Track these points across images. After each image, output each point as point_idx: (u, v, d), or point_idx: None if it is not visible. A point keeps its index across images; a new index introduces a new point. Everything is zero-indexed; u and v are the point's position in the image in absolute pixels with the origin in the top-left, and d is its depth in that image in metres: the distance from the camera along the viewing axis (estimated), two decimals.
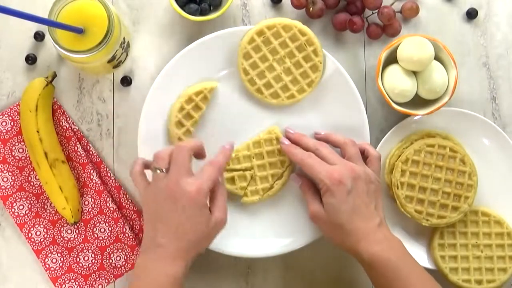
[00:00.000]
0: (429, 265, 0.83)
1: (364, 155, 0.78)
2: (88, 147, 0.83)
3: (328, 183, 0.72)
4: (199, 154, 0.75)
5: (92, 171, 0.82)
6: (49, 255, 0.82)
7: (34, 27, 0.83)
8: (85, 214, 0.82)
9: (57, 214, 0.82)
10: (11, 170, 0.82)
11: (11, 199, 0.81)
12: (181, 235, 0.69)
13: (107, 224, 0.82)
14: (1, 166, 0.81)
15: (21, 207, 0.82)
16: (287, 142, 0.79)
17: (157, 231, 0.69)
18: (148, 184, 0.72)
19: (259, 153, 0.80)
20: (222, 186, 0.74)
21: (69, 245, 0.82)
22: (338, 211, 0.72)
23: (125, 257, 0.82)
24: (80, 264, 0.82)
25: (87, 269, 0.82)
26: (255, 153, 0.80)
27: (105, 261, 0.82)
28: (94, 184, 0.82)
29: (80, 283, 0.82)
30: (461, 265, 0.82)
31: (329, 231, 0.75)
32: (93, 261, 0.82)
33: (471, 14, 0.86)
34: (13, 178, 0.82)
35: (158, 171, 0.71)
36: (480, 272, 0.82)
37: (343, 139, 0.77)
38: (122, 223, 0.82)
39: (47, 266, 0.82)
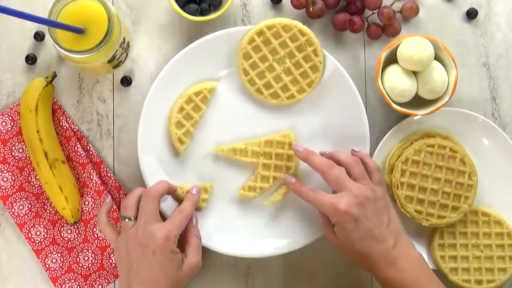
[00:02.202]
0: (429, 265, 0.83)
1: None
2: (88, 147, 0.83)
3: (335, 217, 0.72)
4: (169, 193, 0.78)
5: (92, 171, 0.82)
6: (49, 255, 0.82)
7: (34, 27, 0.83)
8: (85, 214, 0.82)
9: (57, 214, 0.82)
10: (11, 170, 0.82)
11: (11, 199, 0.81)
12: (154, 282, 0.70)
13: None
14: (1, 166, 0.81)
15: (21, 207, 0.82)
16: (301, 149, 0.77)
17: (131, 283, 0.71)
18: (118, 234, 0.74)
19: (268, 153, 0.80)
20: (195, 229, 0.77)
21: (69, 245, 0.82)
22: (350, 240, 0.72)
23: None
24: (80, 264, 0.82)
25: (87, 269, 0.82)
26: (264, 151, 0.80)
27: (105, 261, 0.82)
28: (94, 184, 0.82)
29: (80, 283, 0.82)
30: (461, 265, 0.82)
31: (346, 254, 0.75)
32: (93, 261, 0.82)
33: (471, 14, 0.86)
34: (13, 178, 0.82)
35: (127, 220, 0.73)
36: (480, 272, 0.82)
37: (345, 159, 0.75)
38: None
39: (47, 266, 0.82)
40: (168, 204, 0.79)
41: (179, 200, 0.79)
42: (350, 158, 0.76)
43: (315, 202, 0.74)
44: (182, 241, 0.75)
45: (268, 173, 0.80)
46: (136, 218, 0.73)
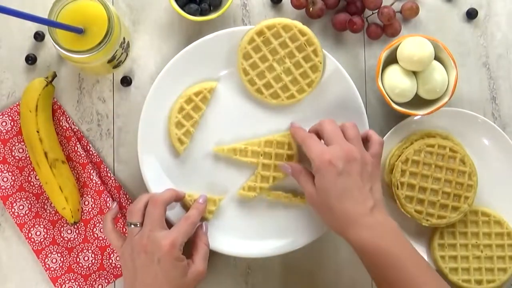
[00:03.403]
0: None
1: (366, 140, 0.76)
2: (88, 147, 0.83)
3: (318, 164, 0.70)
4: (176, 200, 0.78)
5: (92, 171, 0.82)
6: (49, 255, 0.82)
7: (34, 27, 0.83)
8: (85, 214, 0.82)
9: (57, 214, 0.82)
10: (11, 170, 0.82)
11: (11, 199, 0.81)
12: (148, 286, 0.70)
13: None
14: (1, 166, 0.81)
15: (21, 207, 0.82)
16: (297, 125, 0.79)
17: None
18: (123, 241, 0.74)
19: (268, 153, 0.80)
20: (205, 237, 0.77)
21: (69, 245, 0.82)
22: (327, 193, 0.70)
23: None
24: (80, 264, 0.82)
25: (87, 269, 0.82)
26: (264, 151, 0.80)
27: (105, 261, 0.82)
28: (94, 184, 0.82)
29: (80, 283, 0.82)
30: (461, 265, 0.82)
31: (322, 214, 0.72)
32: (93, 261, 0.82)
33: (471, 14, 0.86)
34: (13, 178, 0.82)
35: (132, 226, 0.73)
36: (480, 272, 0.82)
37: (342, 122, 0.75)
38: (122, 223, 0.82)
39: (47, 266, 0.82)
40: (175, 212, 0.79)
41: (186, 208, 0.79)
42: (348, 122, 0.75)
43: (306, 147, 0.73)
44: (189, 247, 0.75)
45: (268, 173, 0.80)
46: (142, 224, 0.73)
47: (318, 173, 0.71)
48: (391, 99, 0.80)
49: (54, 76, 0.82)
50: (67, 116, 0.83)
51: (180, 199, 0.78)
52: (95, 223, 0.82)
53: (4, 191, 0.81)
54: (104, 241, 0.82)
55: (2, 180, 0.82)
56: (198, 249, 0.75)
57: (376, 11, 0.83)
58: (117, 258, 0.82)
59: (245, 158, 0.80)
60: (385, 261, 0.68)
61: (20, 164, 0.82)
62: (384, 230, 0.69)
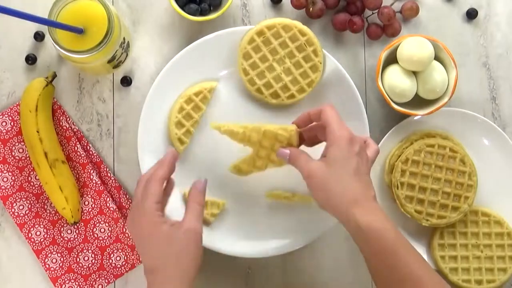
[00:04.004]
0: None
1: (364, 144, 0.73)
2: (88, 147, 0.83)
3: (338, 136, 0.68)
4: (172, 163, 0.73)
5: (92, 171, 0.82)
6: (49, 255, 0.82)
7: (34, 27, 0.83)
8: (85, 214, 0.82)
9: (57, 214, 0.82)
10: (11, 170, 0.82)
11: (11, 199, 0.81)
12: (148, 257, 0.68)
13: (107, 224, 0.82)
14: (1, 166, 0.81)
15: (21, 207, 0.82)
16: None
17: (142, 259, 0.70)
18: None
19: (267, 143, 0.75)
20: (200, 197, 0.71)
21: (69, 245, 0.82)
22: (342, 164, 0.67)
23: (125, 257, 0.82)
24: (80, 264, 0.82)
25: (87, 269, 0.82)
26: (262, 140, 0.75)
27: (105, 261, 0.82)
28: (94, 184, 0.82)
29: (80, 283, 0.82)
30: (461, 265, 0.82)
31: (324, 190, 0.68)
32: (93, 261, 0.82)
33: (471, 14, 0.86)
34: (13, 178, 0.82)
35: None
36: (480, 272, 0.82)
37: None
38: (122, 223, 0.82)
39: (47, 266, 0.82)
40: (173, 207, 0.78)
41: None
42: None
43: (326, 114, 0.70)
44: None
45: (261, 162, 0.77)
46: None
47: (335, 144, 0.68)
48: (391, 99, 0.80)
49: (54, 76, 0.82)
50: (67, 116, 0.83)
51: (175, 159, 0.72)
52: (95, 223, 0.82)
53: (4, 191, 0.81)
54: (104, 241, 0.82)
55: (2, 180, 0.82)
56: (188, 208, 0.70)
57: (376, 11, 0.83)
58: (117, 258, 0.82)
59: (241, 141, 0.76)
60: (387, 246, 0.66)
61: (20, 164, 0.82)
62: (387, 219, 0.68)
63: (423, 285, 0.65)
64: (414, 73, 0.81)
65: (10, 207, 0.81)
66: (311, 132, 0.75)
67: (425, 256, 0.84)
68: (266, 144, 0.75)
